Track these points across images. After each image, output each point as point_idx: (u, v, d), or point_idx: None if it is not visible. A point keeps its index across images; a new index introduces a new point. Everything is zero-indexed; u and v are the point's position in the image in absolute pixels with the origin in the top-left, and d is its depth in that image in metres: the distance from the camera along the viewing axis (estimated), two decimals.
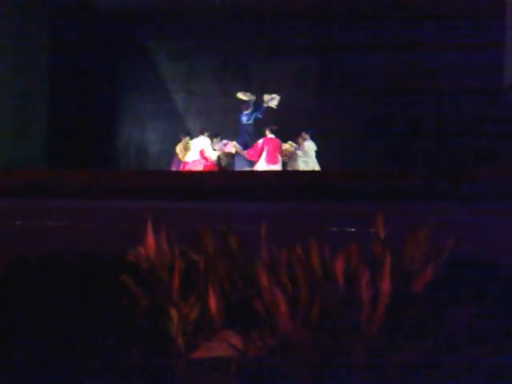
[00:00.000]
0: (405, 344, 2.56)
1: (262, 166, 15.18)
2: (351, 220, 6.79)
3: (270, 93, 15.84)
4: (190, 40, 17.05)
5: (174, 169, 16.21)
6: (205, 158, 15.75)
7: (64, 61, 16.75)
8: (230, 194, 10.75)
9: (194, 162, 15.77)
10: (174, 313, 2.52)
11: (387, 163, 14.81)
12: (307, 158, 15.41)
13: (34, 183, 11.56)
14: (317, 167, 15.40)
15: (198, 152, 15.76)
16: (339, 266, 2.64)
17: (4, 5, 15.47)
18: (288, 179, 13.38)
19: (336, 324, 2.55)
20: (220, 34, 16.77)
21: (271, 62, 16.65)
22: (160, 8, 16.89)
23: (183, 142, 16.22)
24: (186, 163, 15.96)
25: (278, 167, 15.24)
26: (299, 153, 15.46)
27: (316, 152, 15.55)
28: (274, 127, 15.30)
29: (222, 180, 13.24)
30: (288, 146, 15.51)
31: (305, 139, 15.48)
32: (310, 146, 15.50)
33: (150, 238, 2.89)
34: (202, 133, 15.87)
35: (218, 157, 15.97)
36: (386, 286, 2.60)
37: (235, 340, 2.43)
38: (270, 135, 15.23)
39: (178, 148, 16.26)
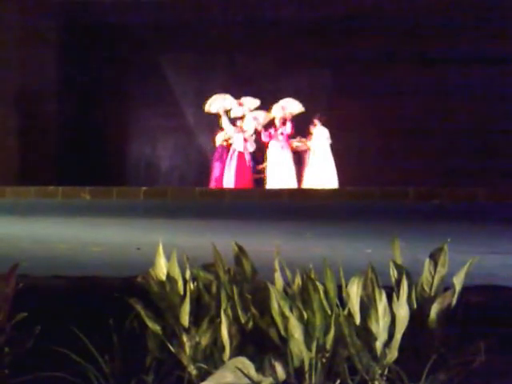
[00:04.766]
0: (422, 372, 2.50)
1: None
2: (367, 241, 6.72)
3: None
4: (201, 54, 17.05)
5: (216, 161, 15.92)
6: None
7: (73, 75, 16.79)
8: (244, 212, 10.73)
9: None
10: (185, 339, 2.45)
11: (406, 182, 14.66)
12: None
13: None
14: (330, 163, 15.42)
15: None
16: (354, 291, 2.57)
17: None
18: (303, 197, 13.38)
19: (351, 351, 2.48)
20: (230, 47, 16.78)
21: (283, 75, 16.64)
22: (170, 22, 16.91)
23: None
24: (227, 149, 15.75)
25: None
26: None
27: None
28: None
29: (236, 198, 13.26)
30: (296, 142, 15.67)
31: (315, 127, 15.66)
32: (320, 133, 15.52)
33: (161, 260, 2.82)
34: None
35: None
36: (402, 312, 2.53)
37: (248, 368, 2.36)
38: None
39: (219, 139, 15.99)
